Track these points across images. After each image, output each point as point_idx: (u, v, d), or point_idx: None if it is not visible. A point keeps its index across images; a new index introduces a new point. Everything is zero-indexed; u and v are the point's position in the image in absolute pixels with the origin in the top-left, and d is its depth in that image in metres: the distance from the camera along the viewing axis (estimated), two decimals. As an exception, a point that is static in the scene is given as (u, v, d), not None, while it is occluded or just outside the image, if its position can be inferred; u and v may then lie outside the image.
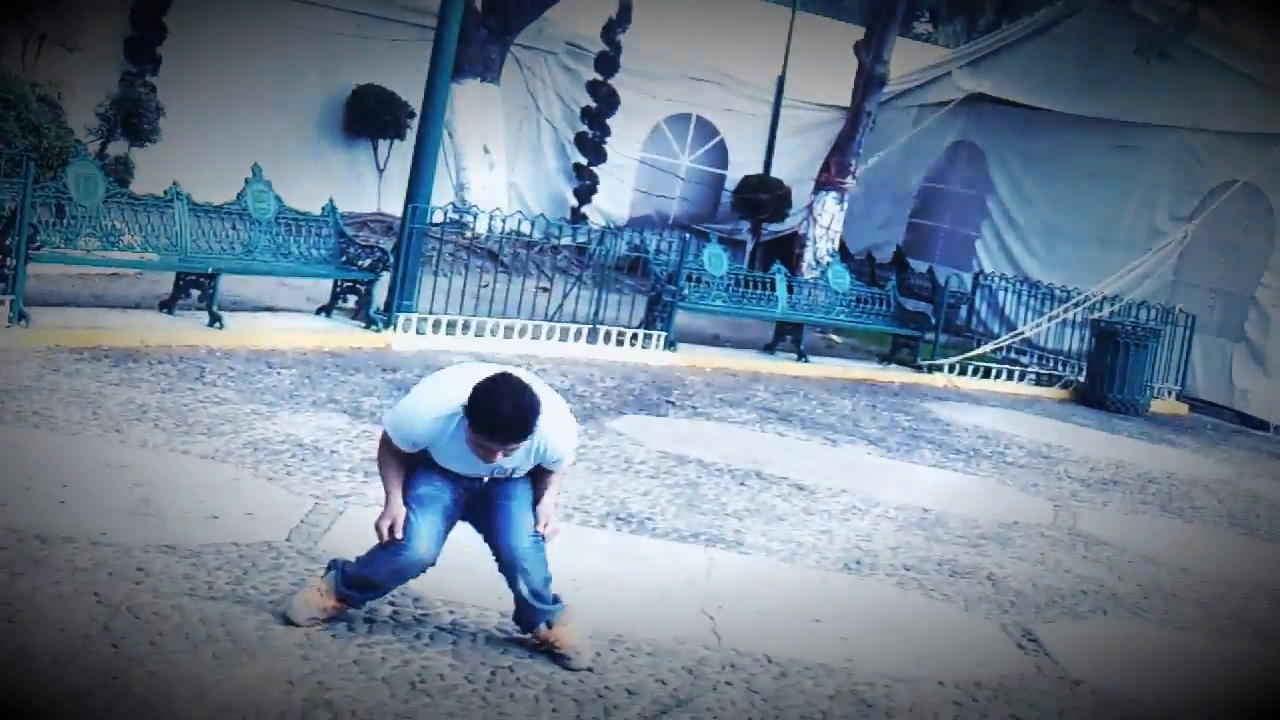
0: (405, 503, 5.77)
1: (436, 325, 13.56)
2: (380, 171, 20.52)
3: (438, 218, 14.51)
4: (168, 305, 12.46)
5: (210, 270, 12.33)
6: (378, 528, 5.75)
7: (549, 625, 5.94)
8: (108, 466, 7.72)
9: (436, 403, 5.70)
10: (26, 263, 10.93)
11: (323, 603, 5.85)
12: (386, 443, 5.84)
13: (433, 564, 5.84)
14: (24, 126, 14.42)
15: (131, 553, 6.29)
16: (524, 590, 5.89)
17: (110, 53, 18.55)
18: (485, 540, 5.98)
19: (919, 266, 22.78)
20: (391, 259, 13.48)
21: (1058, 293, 18.68)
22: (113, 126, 17.47)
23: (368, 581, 5.87)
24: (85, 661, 5.02)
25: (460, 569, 6.80)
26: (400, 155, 19.06)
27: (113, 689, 4.84)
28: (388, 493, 5.82)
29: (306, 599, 5.85)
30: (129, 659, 5.14)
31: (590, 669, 5.81)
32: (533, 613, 5.95)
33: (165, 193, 12.47)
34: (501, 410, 5.44)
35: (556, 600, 5.98)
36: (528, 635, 6.02)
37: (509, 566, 5.89)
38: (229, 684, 4.97)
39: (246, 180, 13.07)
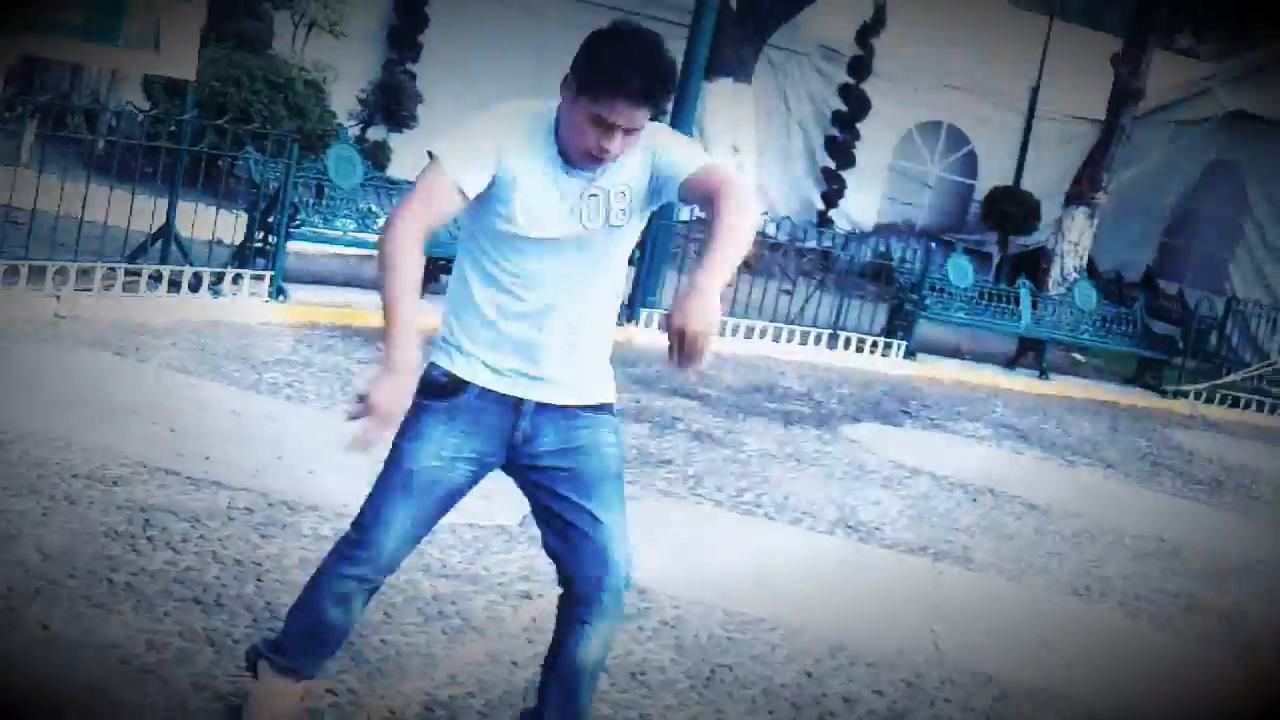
0: (384, 482, 4.04)
1: (676, 322, 13.59)
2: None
3: (684, 215, 14.62)
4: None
5: (460, 256, 12.60)
6: (361, 410, 3.65)
7: None
8: (353, 441, 7.97)
9: (514, 104, 3.99)
10: (287, 240, 11.33)
11: (274, 698, 4.33)
12: (420, 202, 3.75)
13: (389, 572, 4.18)
14: (290, 109, 14.98)
15: (371, 526, 6.48)
16: (606, 602, 4.15)
17: (374, 40, 19.13)
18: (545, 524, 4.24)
19: (1169, 288, 22.20)
20: (636, 254, 13.63)
21: (1316, 323, 18.07)
22: (373, 111, 18.01)
23: (297, 629, 4.27)
24: (324, 628, 5.20)
25: (685, 563, 6.89)
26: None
27: (348, 653, 5.00)
28: (392, 323, 3.68)
29: (260, 707, 4.34)
30: (364, 627, 5.31)
31: (809, 674, 5.83)
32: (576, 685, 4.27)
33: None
34: (632, 44, 3.72)
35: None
36: None
37: (594, 553, 4.12)
38: (457, 659, 5.10)
39: (500, 170, 13.31)
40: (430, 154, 3.77)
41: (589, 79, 3.70)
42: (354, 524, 4.08)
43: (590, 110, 3.70)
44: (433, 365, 4.00)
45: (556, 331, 3.95)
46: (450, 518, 6.31)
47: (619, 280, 4.09)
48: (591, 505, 4.07)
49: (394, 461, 4.00)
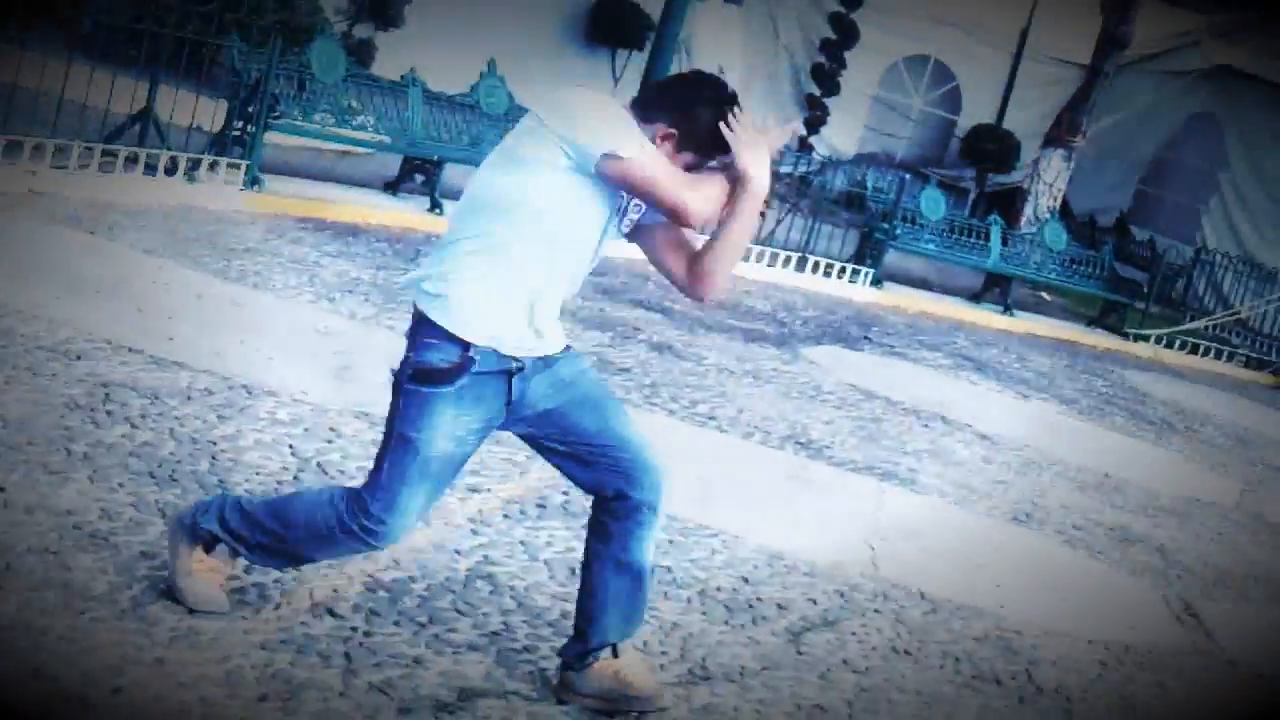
0: (402, 468, 4.09)
1: (647, 237, 13.70)
2: (616, 81, 20.72)
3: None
4: (392, 187, 12.88)
5: (436, 158, 12.69)
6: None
7: (615, 651, 4.49)
8: (316, 332, 8.10)
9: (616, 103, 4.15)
10: (265, 131, 11.38)
11: (214, 573, 4.43)
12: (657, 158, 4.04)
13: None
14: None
15: (328, 414, 6.63)
16: (660, 500, 4.33)
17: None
18: (564, 455, 4.36)
19: (1140, 234, 22.38)
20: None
21: (1282, 277, 18.28)
22: (360, 9, 17.94)
23: (275, 549, 4.37)
24: (273, 505, 5.35)
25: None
26: (637, 68, 19.26)
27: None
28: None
29: (193, 582, 4.40)
30: (314, 510, 5.47)
31: (746, 579, 5.99)
32: (636, 579, 4.42)
33: (402, 78, 12.83)
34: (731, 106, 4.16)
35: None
36: (575, 658, 4.50)
37: (631, 463, 4.28)
38: (399, 545, 5.23)
39: (481, 74, 13.35)
40: (618, 155, 3.95)
41: (698, 142, 4.12)
42: (366, 510, 4.13)
43: (692, 162, 4.14)
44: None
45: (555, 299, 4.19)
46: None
47: None
48: (610, 422, 4.29)
49: (409, 450, 4.08)
